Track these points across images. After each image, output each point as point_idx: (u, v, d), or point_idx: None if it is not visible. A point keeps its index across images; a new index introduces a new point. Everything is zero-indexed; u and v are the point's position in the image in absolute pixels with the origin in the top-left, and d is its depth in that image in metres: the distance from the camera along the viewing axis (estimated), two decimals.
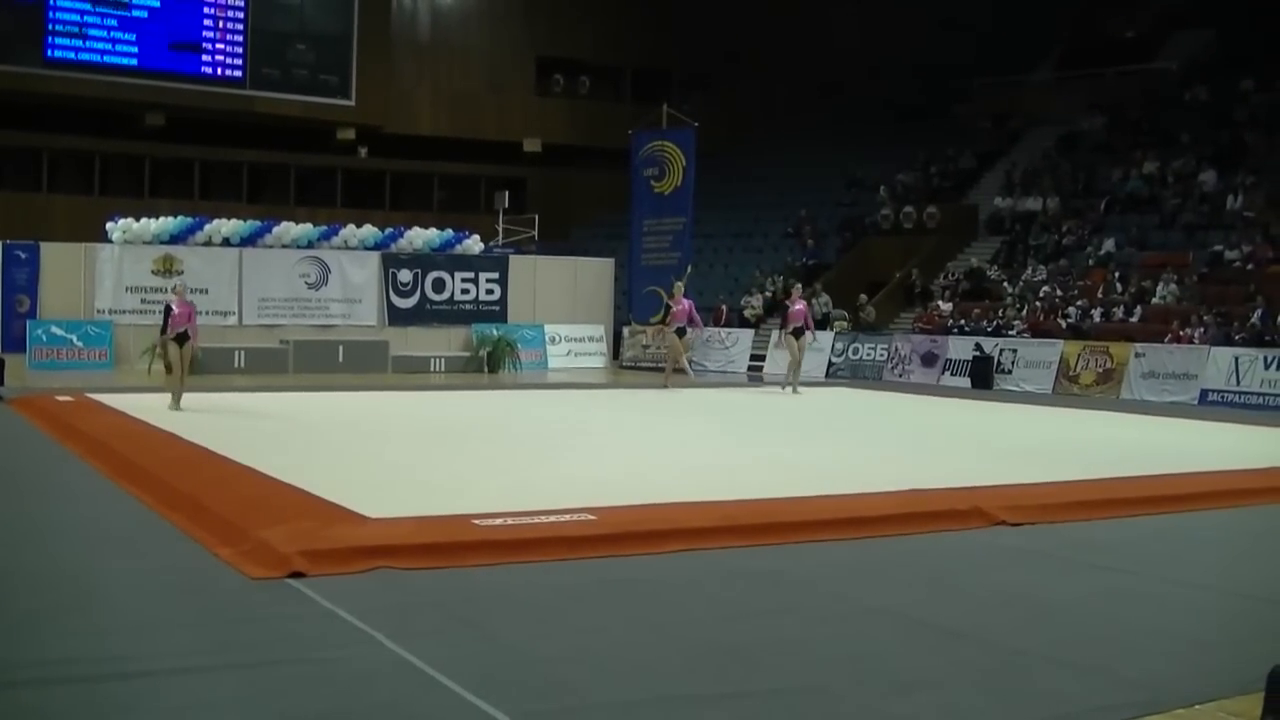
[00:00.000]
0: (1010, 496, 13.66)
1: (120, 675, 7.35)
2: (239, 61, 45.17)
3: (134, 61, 43.60)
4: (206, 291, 30.85)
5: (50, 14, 42.43)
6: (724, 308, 38.04)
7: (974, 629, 8.83)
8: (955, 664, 8.03)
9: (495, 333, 34.18)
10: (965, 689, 7.52)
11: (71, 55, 42.81)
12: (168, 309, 20.64)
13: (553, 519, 11.44)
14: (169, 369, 20.69)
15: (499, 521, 11.22)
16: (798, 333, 27.88)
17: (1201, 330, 29.15)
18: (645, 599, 9.59)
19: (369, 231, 34.81)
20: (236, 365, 29.21)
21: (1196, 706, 7.25)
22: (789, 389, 27.80)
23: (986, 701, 7.27)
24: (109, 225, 32.32)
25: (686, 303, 28.97)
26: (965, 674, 7.82)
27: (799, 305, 28.28)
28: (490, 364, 33.42)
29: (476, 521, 11.22)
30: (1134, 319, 31.52)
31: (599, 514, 11.74)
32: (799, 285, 30.04)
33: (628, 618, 9.03)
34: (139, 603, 9.15)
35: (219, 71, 44.92)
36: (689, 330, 29.13)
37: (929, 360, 32.78)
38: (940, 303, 35.87)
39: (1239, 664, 7.80)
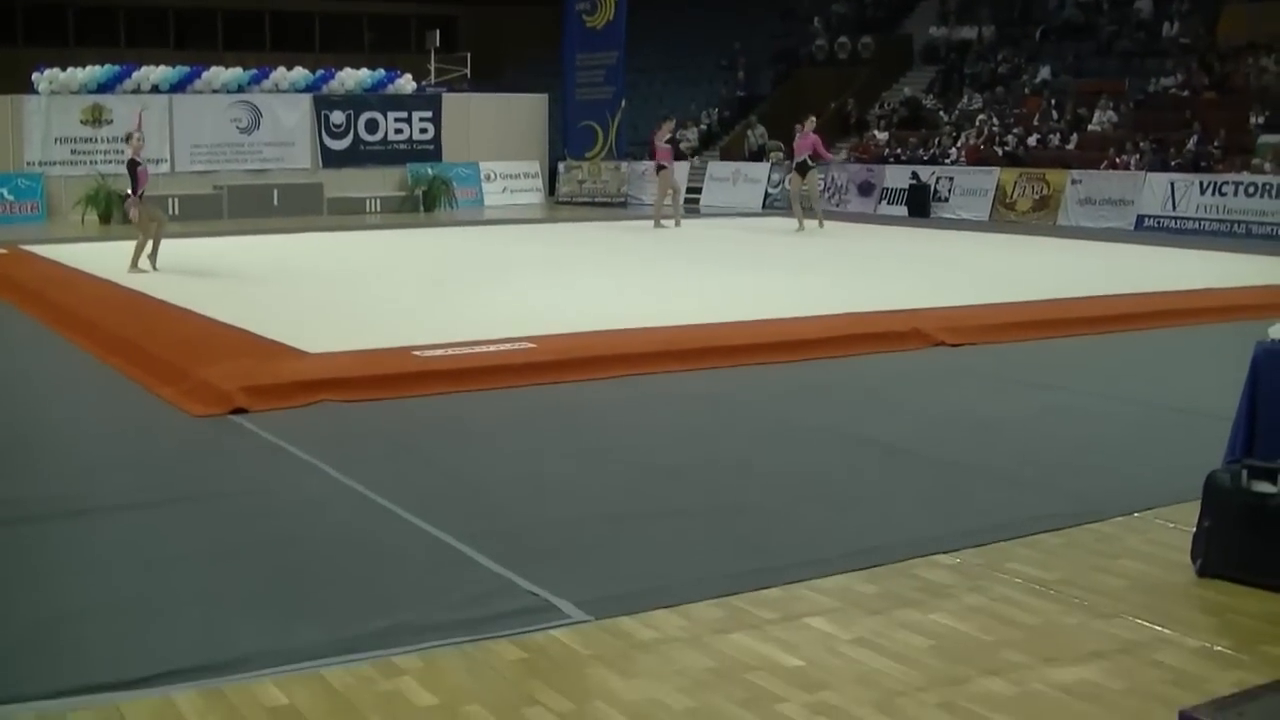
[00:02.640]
0: (948, 318, 13.77)
1: (65, 514, 7.37)
2: None
3: None
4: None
5: None
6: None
7: (914, 446, 8.93)
8: (896, 479, 8.13)
9: (430, 172, 33.87)
10: (906, 503, 7.62)
11: None
12: (133, 165, 18.68)
13: (493, 349, 11.48)
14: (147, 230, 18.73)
15: (439, 352, 11.26)
16: (801, 168, 26.70)
17: (1137, 157, 29.21)
18: (586, 424, 9.66)
19: (299, 74, 34.25)
20: (170, 212, 28.79)
21: (1135, 515, 7.38)
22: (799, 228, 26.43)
23: (928, 514, 7.38)
24: (35, 76, 31.70)
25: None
26: (906, 489, 7.92)
27: (807, 138, 26.67)
28: (426, 203, 33.17)
29: (417, 353, 11.25)
30: (1070, 146, 31.54)
31: (539, 342, 11.78)
32: (812, 119, 27.63)
33: (569, 442, 9.10)
34: (82, 444, 9.16)
35: None
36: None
37: (865, 190, 32.75)
38: (876, 133, 35.78)
39: (1174, 475, 7.91)
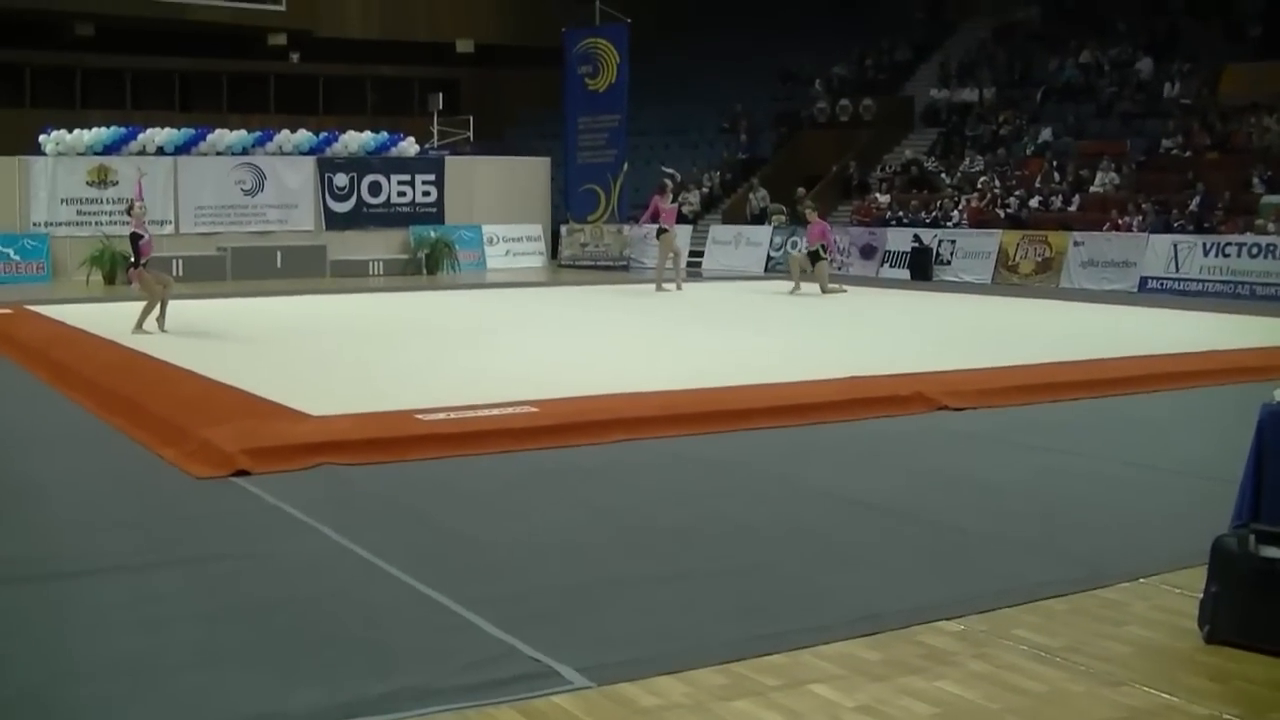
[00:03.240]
0: (952, 382, 13.73)
1: (65, 574, 7.34)
2: None
3: None
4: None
5: None
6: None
7: (917, 510, 8.89)
8: (899, 542, 8.09)
9: (433, 234, 33.95)
10: (910, 565, 7.58)
11: None
12: (136, 238, 18.75)
13: (495, 412, 11.44)
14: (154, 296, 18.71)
15: (441, 415, 11.23)
16: (813, 256, 26.73)
17: (1140, 218, 29.24)
18: (588, 486, 9.62)
19: (303, 136, 34.40)
20: (174, 274, 28.78)
21: (1140, 580, 7.33)
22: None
23: (931, 579, 7.33)
24: (41, 138, 31.84)
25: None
26: (910, 551, 7.88)
27: (816, 226, 27.14)
28: (429, 265, 33.26)
29: (419, 416, 11.22)
30: (1072, 208, 31.59)
31: (541, 406, 11.74)
32: (813, 207, 28.33)
33: (571, 504, 9.06)
34: (83, 504, 9.11)
35: None
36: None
37: (868, 252, 32.80)
38: (878, 195, 35.84)
39: (1180, 539, 7.87)
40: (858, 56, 43.74)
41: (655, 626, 6.51)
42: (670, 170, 34.15)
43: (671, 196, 28.97)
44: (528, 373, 14.34)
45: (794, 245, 31.46)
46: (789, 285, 26.60)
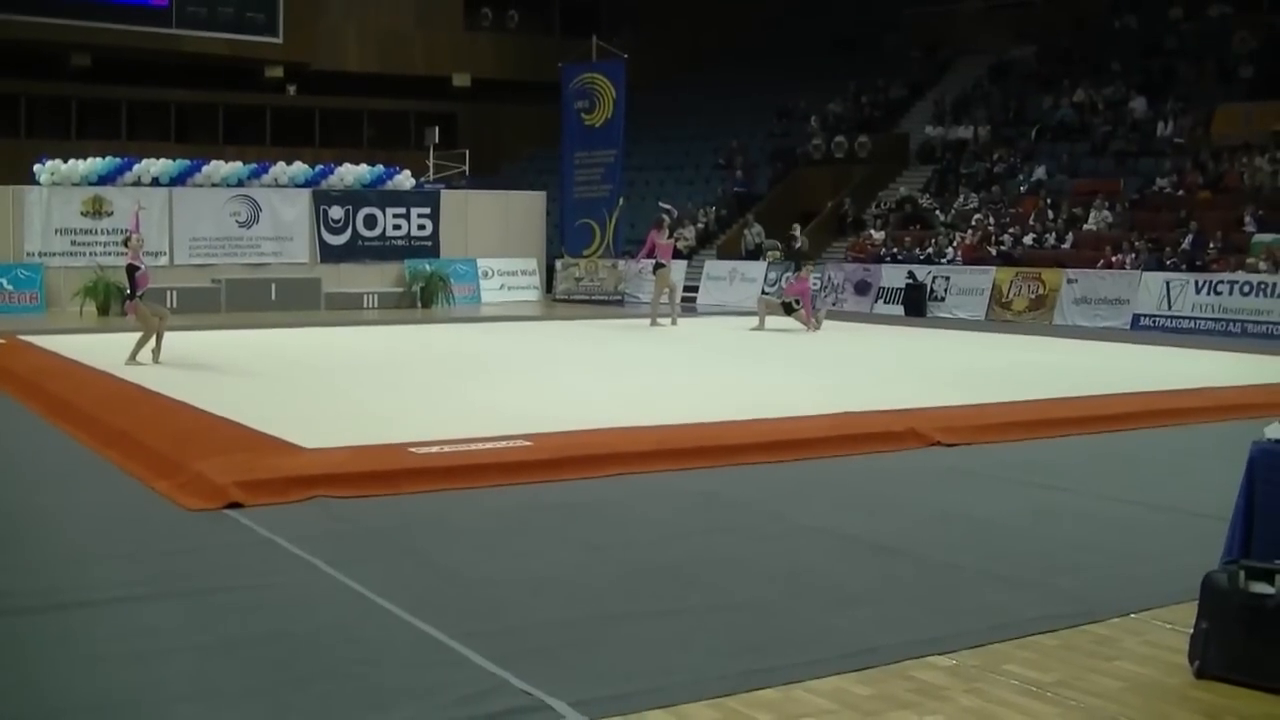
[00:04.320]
0: (945, 418, 13.73)
1: (59, 606, 7.33)
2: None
3: None
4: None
5: None
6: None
7: (910, 545, 8.89)
8: (892, 579, 8.09)
9: (428, 268, 33.96)
10: (902, 603, 7.58)
11: None
12: (132, 270, 18.73)
13: (489, 446, 11.45)
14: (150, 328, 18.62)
15: (435, 449, 11.23)
16: (787, 307, 26.87)
17: (1133, 256, 29.33)
18: (582, 521, 9.62)
19: (299, 169, 34.39)
20: (168, 305, 28.80)
21: (1131, 616, 7.34)
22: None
23: (924, 614, 7.33)
24: (36, 167, 31.81)
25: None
26: (902, 589, 7.89)
27: (802, 283, 27.41)
28: (423, 299, 33.26)
29: (413, 449, 11.23)
30: (1066, 245, 31.68)
31: (535, 440, 11.75)
32: (808, 266, 28.85)
33: (565, 540, 9.05)
34: (76, 536, 9.11)
35: None
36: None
37: (862, 289, 32.87)
38: (873, 231, 35.92)
39: (1171, 576, 7.89)
40: (853, 94, 43.90)
41: (648, 661, 6.51)
42: (667, 206, 34.26)
43: (668, 232, 29.02)
44: (522, 407, 14.35)
45: (773, 286, 31.67)
46: (785, 322, 26.60)
